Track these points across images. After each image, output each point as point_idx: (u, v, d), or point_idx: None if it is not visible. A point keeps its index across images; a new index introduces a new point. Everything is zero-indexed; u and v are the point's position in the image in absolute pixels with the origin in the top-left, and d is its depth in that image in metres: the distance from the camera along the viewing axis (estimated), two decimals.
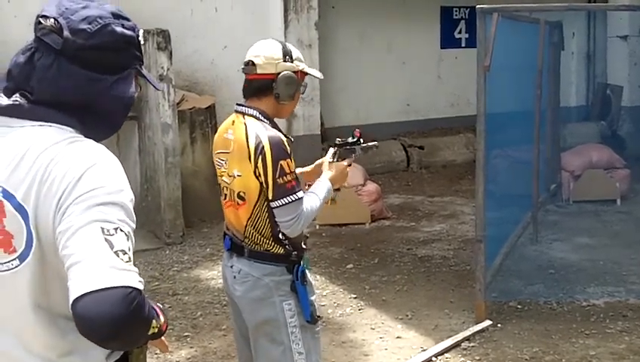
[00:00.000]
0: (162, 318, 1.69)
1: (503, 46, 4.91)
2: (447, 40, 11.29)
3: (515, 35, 5.72)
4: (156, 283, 5.78)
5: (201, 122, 7.56)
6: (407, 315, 5.03)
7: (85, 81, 1.60)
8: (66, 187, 1.49)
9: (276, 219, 2.67)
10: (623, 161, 8.21)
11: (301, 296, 2.73)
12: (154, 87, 1.85)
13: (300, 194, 2.67)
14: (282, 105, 2.79)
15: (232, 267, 2.82)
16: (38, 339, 1.58)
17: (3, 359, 1.59)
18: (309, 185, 2.92)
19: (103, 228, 1.46)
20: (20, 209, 1.52)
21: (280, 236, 2.71)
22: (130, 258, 1.47)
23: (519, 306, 5.08)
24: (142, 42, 1.72)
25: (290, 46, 2.83)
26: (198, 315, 5.10)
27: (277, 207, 2.65)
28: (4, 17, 7.25)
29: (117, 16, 1.65)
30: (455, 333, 4.65)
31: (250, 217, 2.71)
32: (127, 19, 1.68)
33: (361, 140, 3.04)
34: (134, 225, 1.53)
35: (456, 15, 11.34)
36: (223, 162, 2.80)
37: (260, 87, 2.75)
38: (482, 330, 4.67)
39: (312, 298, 2.80)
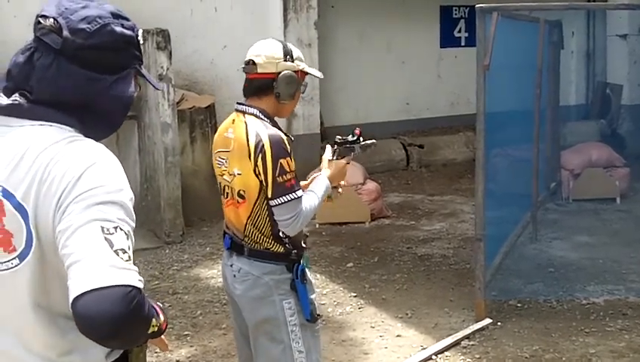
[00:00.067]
0: (162, 317, 1.70)
1: (502, 45, 4.91)
2: (447, 39, 11.27)
3: (514, 34, 5.72)
4: (156, 282, 5.78)
5: (200, 121, 7.56)
6: (407, 314, 5.03)
7: (85, 80, 1.60)
8: (65, 186, 1.50)
9: (275, 218, 2.67)
10: (623, 160, 8.20)
11: (301, 294, 2.74)
12: (153, 86, 1.85)
13: (299, 192, 2.68)
14: (283, 105, 2.80)
15: (231, 266, 2.82)
16: (37, 338, 1.58)
17: (3, 358, 1.59)
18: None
19: (102, 227, 1.46)
20: (19, 208, 1.52)
21: (280, 234, 2.71)
22: (130, 257, 1.47)
23: (519, 304, 5.08)
24: (141, 42, 1.72)
25: (290, 45, 2.84)
26: (198, 314, 5.11)
27: (276, 205, 2.65)
28: (4, 17, 7.24)
29: (116, 16, 1.66)
30: (455, 332, 4.65)
31: (250, 215, 2.71)
32: (127, 19, 1.68)
33: (361, 138, 3.05)
34: (134, 224, 1.54)
35: (455, 14, 11.32)
36: (224, 161, 2.80)
37: (261, 87, 2.76)
38: (482, 329, 4.68)
39: (312, 296, 2.80)
